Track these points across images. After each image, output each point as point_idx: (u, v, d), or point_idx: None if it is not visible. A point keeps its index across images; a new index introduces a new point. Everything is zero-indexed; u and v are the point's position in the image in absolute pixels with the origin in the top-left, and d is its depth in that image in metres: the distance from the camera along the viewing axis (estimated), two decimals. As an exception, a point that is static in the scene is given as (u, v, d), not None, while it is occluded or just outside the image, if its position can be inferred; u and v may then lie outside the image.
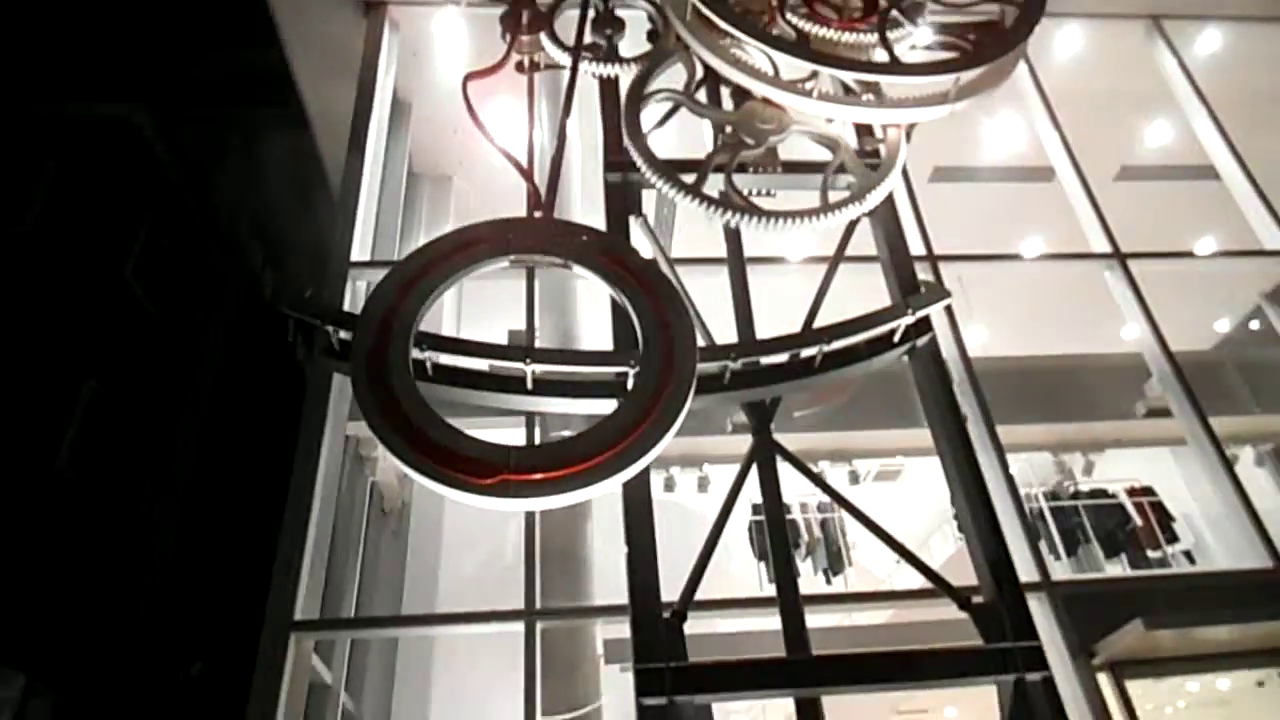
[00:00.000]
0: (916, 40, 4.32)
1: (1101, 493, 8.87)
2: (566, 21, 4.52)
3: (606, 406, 3.17)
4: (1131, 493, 8.53)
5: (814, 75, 3.96)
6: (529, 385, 3.28)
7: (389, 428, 2.94)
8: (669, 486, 6.02)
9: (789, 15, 4.14)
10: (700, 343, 3.35)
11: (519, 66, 4.58)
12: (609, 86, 4.33)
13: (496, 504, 2.88)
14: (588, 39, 4.42)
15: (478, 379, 3.34)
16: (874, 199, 3.88)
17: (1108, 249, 5.41)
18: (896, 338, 3.55)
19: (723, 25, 4.05)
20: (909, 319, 3.46)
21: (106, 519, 8.36)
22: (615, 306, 3.38)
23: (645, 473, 3.28)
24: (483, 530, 6.13)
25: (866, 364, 3.55)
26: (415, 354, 3.18)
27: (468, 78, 4.32)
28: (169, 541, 8.93)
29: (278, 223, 9.72)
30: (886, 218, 4.04)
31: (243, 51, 7.58)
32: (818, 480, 3.86)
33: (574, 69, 4.20)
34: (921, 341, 3.61)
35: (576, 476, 2.89)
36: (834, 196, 3.91)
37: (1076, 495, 9.00)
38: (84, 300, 8.80)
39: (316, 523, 4.24)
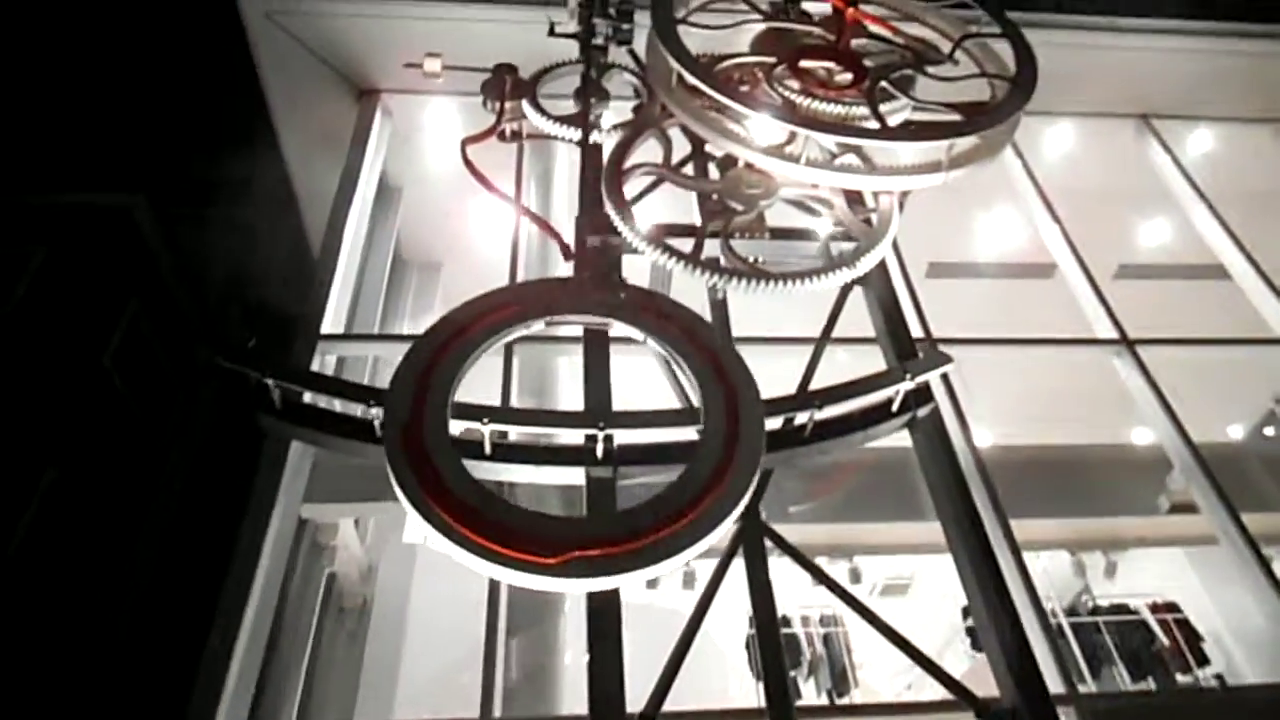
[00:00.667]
0: (907, 114, 4.19)
1: (1123, 608, 8.31)
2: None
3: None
4: (1155, 609, 7.99)
5: (791, 138, 3.79)
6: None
7: (433, 507, 2.56)
8: (651, 583, 5.54)
9: (775, 84, 4.03)
10: (677, 405, 3.06)
11: (501, 135, 4.46)
12: (590, 153, 4.19)
13: (567, 585, 2.49)
14: (570, 110, 4.32)
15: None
16: (867, 263, 3.65)
17: (1114, 335, 5.18)
18: (895, 406, 3.25)
19: (709, 92, 3.92)
20: (908, 384, 3.17)
21: (56, 610, 7.84)
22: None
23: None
24: (450, 630, 5.64)
25: (863, 434, 3.23)
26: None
27: (465, 142, 4.20)
28: (123, 635, 8.33)
29: (268, 311, 9.56)
30: (880, 286, 3.81)
31: (238, 139, 7.60)
32: (815, 571, 3.47)
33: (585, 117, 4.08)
34: (923, 412, 3.31)
35: (654, 547, 2.51)
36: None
37: (1096, 611, 8.44)
38: (58, 386, 8.55)
39: (254, 616, 3.82)
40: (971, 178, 3.92)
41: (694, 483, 2.65)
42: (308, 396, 3.17)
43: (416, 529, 2.63)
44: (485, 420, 2.85)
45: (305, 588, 4.91)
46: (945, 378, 4.61)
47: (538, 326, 3.17)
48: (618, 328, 3.14)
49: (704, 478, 2.66)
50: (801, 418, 3.10)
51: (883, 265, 3.92)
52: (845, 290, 3.85)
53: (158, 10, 6.96)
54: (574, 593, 2.54)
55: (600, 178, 3.91)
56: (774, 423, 3.14)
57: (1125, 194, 7.38)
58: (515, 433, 3.22)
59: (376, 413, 2.90)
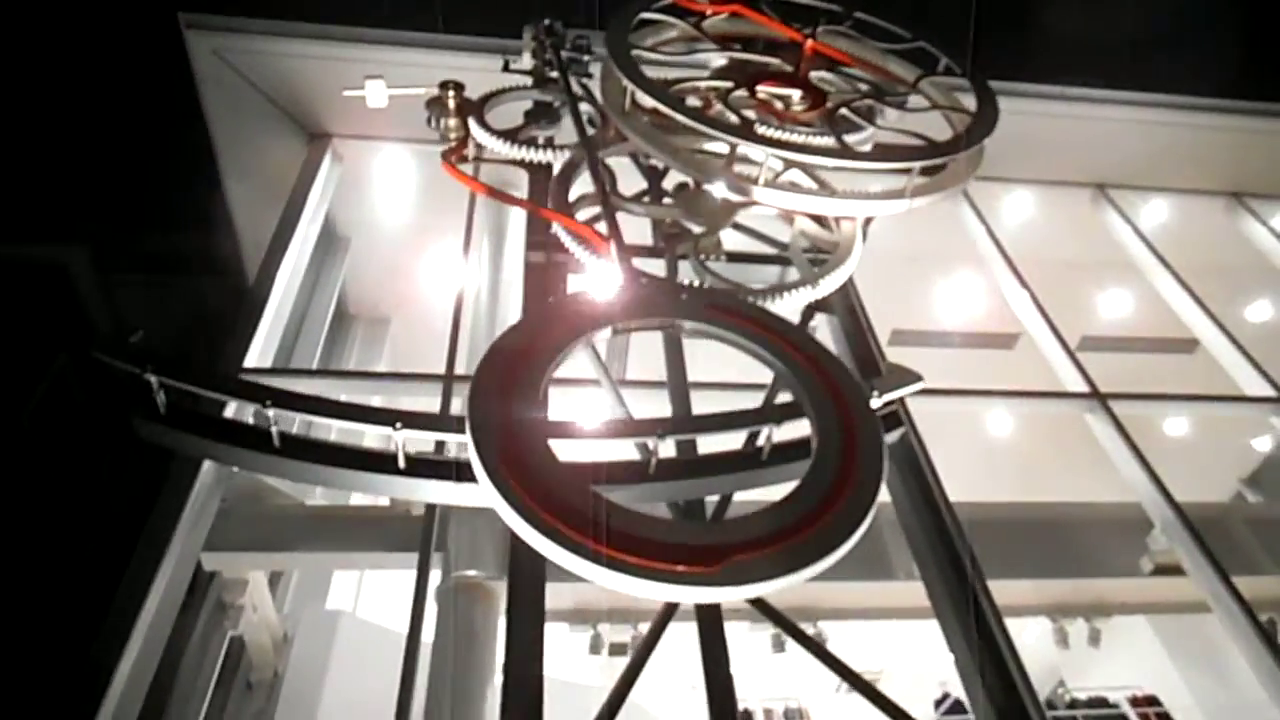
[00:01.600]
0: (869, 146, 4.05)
1: (1102, 701, 7.89)
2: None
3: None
4: (1135, 702, 7.59)
5: (732, 155, 3.61)
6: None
7: (572, 536, 2.12)
8: (594, 646, 5.02)
9: (731, 109, 3.88)
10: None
11: (445, 155, 4.23)
12: (537, 172, 3.98)
13: (726, 594, 2.13)
14: (522, 132, 4.11)
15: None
16: (830, 283, 3.41)
17: (1084, 389, 4.98)
18: (862, 430, 2.95)
19: (664, 110, 3.75)
20: (874, 400, 2.87)
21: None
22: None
23: (536, 630, 2.66)
24: (371, 708, 5.05)
25: (826, 460, 2.92)
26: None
27: (445, 154, 3.95)
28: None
29: (210, 366, 9.08)
30: (844, 311, 3.58)
31: (181, 185, 7.32)
32: (785, 625, 3.06)
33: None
34: (893, 438, 2.99)
35: (812, 542, 2.15)
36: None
37: (1074, 704, 8.01)
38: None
39: (129, 678, 3.29)
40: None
41: (825, 473, 2.32)
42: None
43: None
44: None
45: (203, 654, 4.32)
46: (913, 428, 4.35)
47: (604, 335, 2.79)
48: (690, 327, 2.80)
49: (834, 466, 2.34)
50: (760, 438, 2.79)
51: (846, 292, 3.72)
52: (807, 316, 3.61)
53: (98, 47, 6.76)
54: (735, 600, 2.18)
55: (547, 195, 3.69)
56: (729, 440, 2.85)
57: (1084, 264, 7.37)
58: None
59: (274, 414, 2.52)
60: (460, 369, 4.82)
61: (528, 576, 2.94)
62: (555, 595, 4.19)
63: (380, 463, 2.62)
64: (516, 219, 6.38)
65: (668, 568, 2.12)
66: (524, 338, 2.71)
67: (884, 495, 3.58)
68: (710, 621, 2.82)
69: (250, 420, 2.69)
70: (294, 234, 5.65)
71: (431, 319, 6.66)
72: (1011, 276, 6.45)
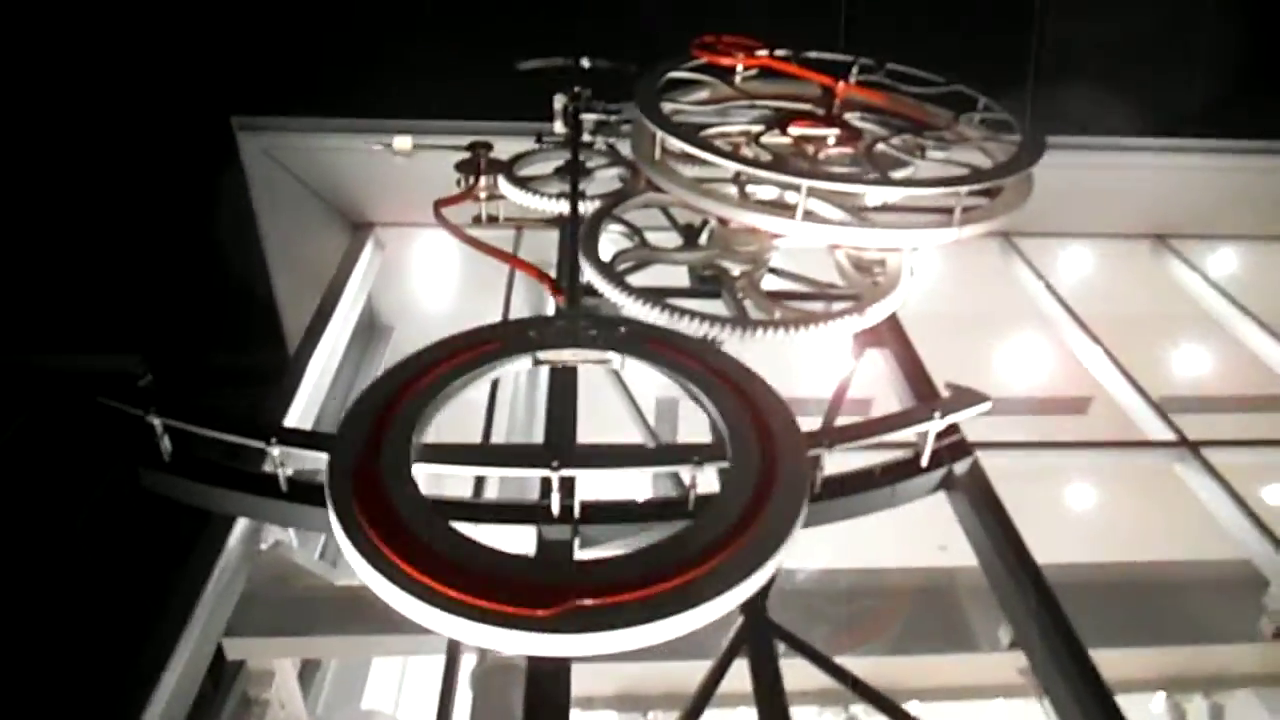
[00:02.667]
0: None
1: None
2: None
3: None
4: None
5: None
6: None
7: (387, 553, 1.96)
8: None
9: (763, 145, 3.79)
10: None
11: (476, 219, 4.20)
12: (568, 221, 3.90)
13: (560, 645, 1.82)
14: (554, 190, 4.07)
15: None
16: (877, 312, 3.18)
17: (1170, 437, 4.55)
18: (925, 460, 2.66)
19: (695, 153, 3.66)
20: (936, 423, 2.58)
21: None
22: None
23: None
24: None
25: (887, 494, 2.61)
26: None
27: (438, 204, 3.93)
28: None
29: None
30: (896, 343, 3.33)
31: (232, 285, 7.49)
32: (844, 678, 2.69)
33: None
34: (961, 468, 2.70)
35: (671, 596, 1.86)
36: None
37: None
38: (22, 550, 7.94)
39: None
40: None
41: (719, 522, 2.03)
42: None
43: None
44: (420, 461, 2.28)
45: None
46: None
47: (525, 364, 2.71)
48: (618, 361, 2.65)
49: (732, 517, 2.05)
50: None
51: (898, 324, 3.48)
52: (857, 350, 3.37)
53: (153, 156, 7.08)
54: (569, 654, 1.86)
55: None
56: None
57: (1148, 318, 6.95)
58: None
59: (279, 454, 2.35)
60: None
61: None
62: (597, 678, 3.86)
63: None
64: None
65: (491, 606, 1.80)
66: (442, 353, 2.59)
67: (963, 558, 3.23)
68: (773, 707, 2.46)
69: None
70: (331, 320, 5.63)
71: (478, 407, 6.56)
72: (1080, 334, 6.09)
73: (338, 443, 2.23)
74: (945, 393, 2.73)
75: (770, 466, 2.16)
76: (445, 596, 1.83)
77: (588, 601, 1.81)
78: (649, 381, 2.85)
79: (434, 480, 3.44)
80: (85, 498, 8.90)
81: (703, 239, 3.81)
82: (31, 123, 6.90)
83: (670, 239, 3.93)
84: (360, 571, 1.96)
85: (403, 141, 4.34)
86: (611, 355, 2.63)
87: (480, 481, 3.30)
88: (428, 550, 1.93)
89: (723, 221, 3.63)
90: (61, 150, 7.07)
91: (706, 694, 2.51)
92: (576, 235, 3.43)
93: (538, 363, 2.69)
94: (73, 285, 7.96)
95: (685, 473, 2.31)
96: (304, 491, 2.42)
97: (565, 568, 2.11)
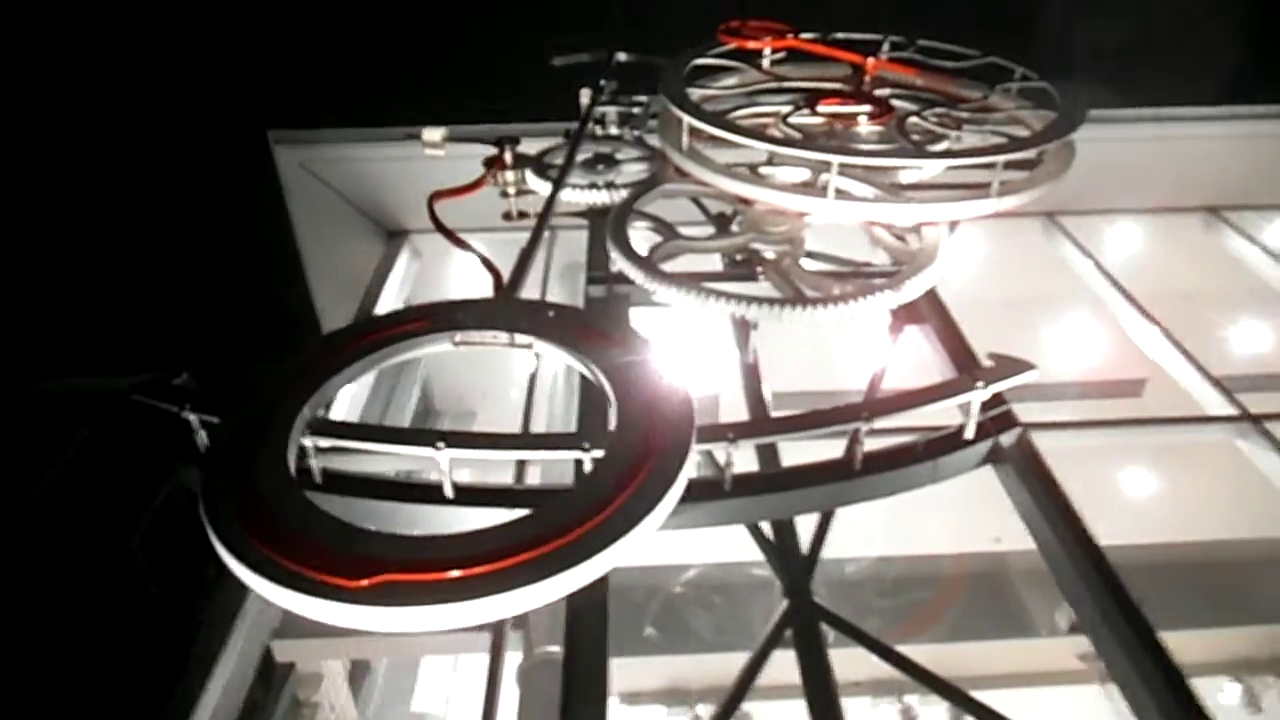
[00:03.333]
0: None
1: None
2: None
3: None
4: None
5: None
6: (448, 492, 2.34)
7: (232, 519, 1.96)
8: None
9: (791, 124, 3.71)
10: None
11: (508, 216, 4.20)
12: (596, 216, 3.87)
13: (368, 617, 1.76)
14: (584, 179, 4.05)
15: (375, 487, 2.43)
16: (914, 287, 3.09)
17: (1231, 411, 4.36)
18: (969, 433, 2.56)
19: (724, 136, 3.61)
20: (979, 393, 2.49)
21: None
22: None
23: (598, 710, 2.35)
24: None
25: (930, 469, 2.52)
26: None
27: (434, 196, 3.93)
28: None
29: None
30: (937, 318, 3.23)
31: (274, 298, 7.62)
32: (901, 662, 2.61)
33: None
34: (1008, 439, 2.60)
35: (487, 580, 1.78)
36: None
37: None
38: (78, 568, 8.13)
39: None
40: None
41: (566, 510, 1.93)
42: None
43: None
44: (439, 445, 2.26)
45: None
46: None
47: (445, 345, 2.68)
48: (540, 347, 2.61)
49: (582, 506, 1.94)
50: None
51: (937, 300, 3.38)
52: (896, 328, 3.29)
53: (190, 174, 7.24)
54: (377, 628, 1.81)
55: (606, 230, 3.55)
56: (819, 449, 2.51)
57: (1203, 294, 6.69)
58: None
59: (311, 444, 2.35)
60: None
61: (587, 645, 2.61)
62: (646, 671, 3.82)
63: (426, 493, 2.41)
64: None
65: (305, 571, 1.76)
66: (367, 329, 2.61)
67: (1016, 542, 3.11)
68: (822, 694, 2.38)
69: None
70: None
71: (516, 410, 6.57)
72: (1134, 312, 5.88)
73: (241, 404, 2.23)
74: (988, 364, 2.63)
75: (639, 464, 2.04)
76: (262, 558, 1.80)
77: (404, 577, 1.76)
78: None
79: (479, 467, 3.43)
80: (141, 512, 9.12)
81: (735, 225, 3.75)
82: (71, 142, 7.11)
83: (702, 231, 3.88)
84: (211, 533, 1.92)
85: (432, 133, 4.35)
86: (529, 339, 2.58)
87: (521, 467, 3.28)
88: (270, 515, 1.91)
89: (745, 202, 3.57)
90: (100, 170, 7.27)
91: (746, 681, 2.46)
92: (542, 225, 3.39)
93: (457, 344, 2.66)
94: (114, 305, 8.17)
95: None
96: (338, 483, 2.42)
97: (387, 542, 1.98)
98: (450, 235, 3.72)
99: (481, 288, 7.55)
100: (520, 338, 2.62)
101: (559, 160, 4.29)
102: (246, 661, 3.57)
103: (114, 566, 8.70)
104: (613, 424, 2.25)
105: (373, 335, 2.62)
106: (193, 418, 2.45)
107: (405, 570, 1.77)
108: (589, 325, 2.63)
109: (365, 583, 1.75)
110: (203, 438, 2.49)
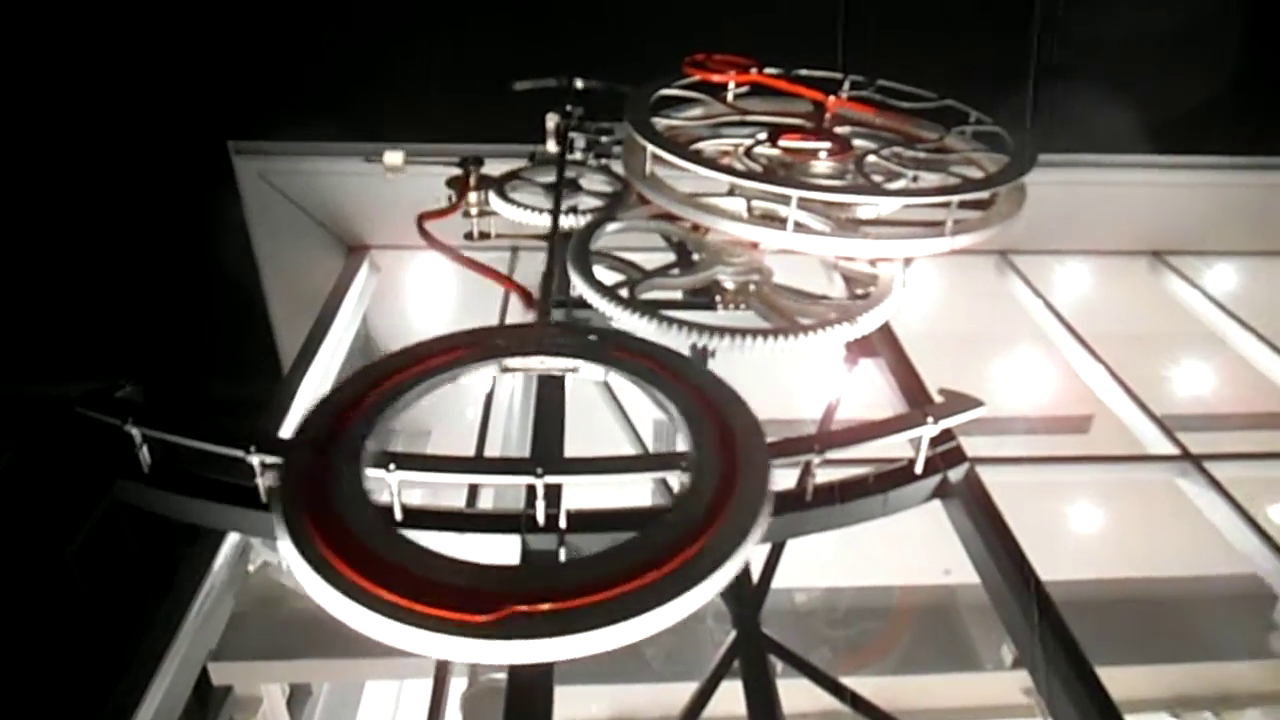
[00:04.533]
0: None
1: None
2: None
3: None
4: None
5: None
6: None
7: (328, 556, 1.93)
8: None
9: (753, 156, 3.78)
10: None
11: (469, 236, 4.20)
12: (558, 239, 3.88)
13: (500, 651, 1.76)
14: (549, 205, 4.06)
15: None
16: (869, 321, 3.15)
17: (1172, 451, 4.49)
18: (919, 468, 2.61)
19: (686, 166, 3.65)
20: (930, 428, 2.54)
21: None
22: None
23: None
24: None
25: (880, 501, 2.56)
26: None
27: (422, 217, 3.92)
28: None
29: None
30: (886, 350, 3.29)
31: (227, 309, 7.48)
32: (845, 696, 2.62)
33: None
34: (956, 475, 2.65)
35: (616, 604, 1.80)
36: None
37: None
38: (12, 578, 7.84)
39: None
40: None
41: (673, 529, 1.97)
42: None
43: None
44: (391, 468, 2.23)
45: (211, 780, 3.93)
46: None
47: (491, 371, 2.68)
48: (587, 370, 2.63)
49: (687, 523, 1.99)
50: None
51: (891, 334, 3.44)
52: (850, 360, 3.34)
53: (148, 182, 7.10)
54: (507, 661, 1.81)
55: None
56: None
57: (1147, 335, 6.90)
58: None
59: (258, 463, 2.31)
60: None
61: (532, 672, 2.57)
62: (592, 699, 3.77)
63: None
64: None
65: (428, 610, 1.76)
66: (408, 359, 2.57)
67: (966, 575, 3.15)
68: (755, 661, 2.40)
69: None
70: (325, 342, 5.60)
71: (472, 429, 6.51)
72: (1081, 351, 6.05)
73: (292, 447, 2.19)
74: (939, 399, 2.68)
75: (730, 474, 2.10)
76: (383, 601, 1.79)
77: (532, 608, 1.76)
78: (645, 402, 2.83)
79: (429, 492, 3.38)
80: (78, 525, 8.81)
81: (695, 255, 3.79)
82: (28, 146, 6.93)
83: (658, 259, 3.90)
84: (300, 574, 1.90)
85: (394, 156, 4.33)
86: (578, 363, 2.60)
87: (473, 492, 3.25)
88: (370, 554, 1.89)
89: (696, 229, 3.61)
90: (57, 174, 7.09)
91: (694, 712, 2.45)
92: (554, 246, 3.41)
93: (504, 370, 2.66)
94: (67, 311, 7.94)
95: (673, 479, 2.26)
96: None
97: (506, 574, 2.03)
98: (448, 251, 3.71)
99: (439, 305, 7.47)
100: (571, 362, 2.62)
101: (524, 184, 4.31)
102: (182, 683, 3.47)
103: (48, 579, 8.39)
104: (682, 445, 2.28)
105: (414, 366, 2.60)
106: (136, 432, 2.38)
107: (529, 601, 1.77)
108: (634, 348, 2.65)
109: (492, 617, 1.75)
110: (145, 453, 2.43)
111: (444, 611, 1.78)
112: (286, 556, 1.94)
